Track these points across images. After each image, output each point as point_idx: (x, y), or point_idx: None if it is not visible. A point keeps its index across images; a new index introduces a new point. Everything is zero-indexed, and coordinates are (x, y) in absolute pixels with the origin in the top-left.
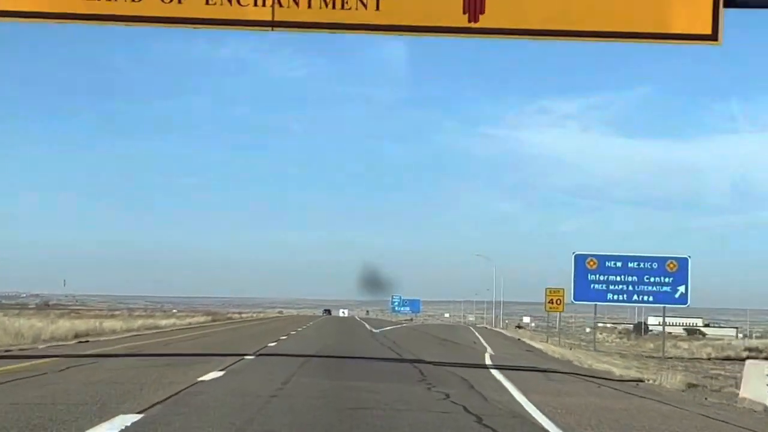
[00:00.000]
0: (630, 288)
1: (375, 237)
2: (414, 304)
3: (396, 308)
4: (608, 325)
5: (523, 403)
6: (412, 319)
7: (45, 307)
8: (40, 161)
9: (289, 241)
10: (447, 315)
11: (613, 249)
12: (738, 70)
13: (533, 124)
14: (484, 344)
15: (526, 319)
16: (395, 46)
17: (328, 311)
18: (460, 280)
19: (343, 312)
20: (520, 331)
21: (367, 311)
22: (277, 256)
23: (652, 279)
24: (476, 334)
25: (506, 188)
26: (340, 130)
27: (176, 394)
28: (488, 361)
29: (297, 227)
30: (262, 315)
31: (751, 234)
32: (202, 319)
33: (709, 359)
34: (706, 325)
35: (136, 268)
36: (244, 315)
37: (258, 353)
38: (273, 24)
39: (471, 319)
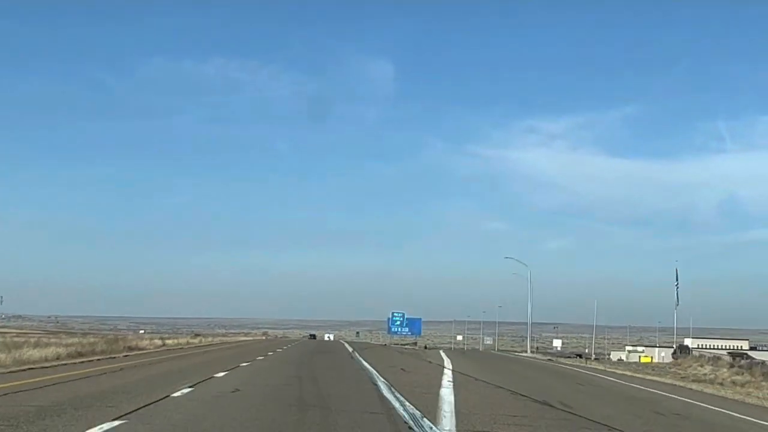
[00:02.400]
0: None
1: (362, 257)
2: (415, 325)
3: (394, 329)
4: (639, 349)
5: None
6: (416, 344)
7: None
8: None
9: (276, 261)
10: (460, 338)
11: (601, 267)
12: (725, 89)
13: (521, 144)
14: None
15: (557, 342)
16: (382, 64)
17: (313, 336)
18: (454, 299)
19: (328, 336)
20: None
21: (357, 333)
22: (264, 277)
23: None
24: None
25: (494, 207)
26: (326, 148)
27: None
28: None
29: (284, 248)
30: (214, 339)
31: (740, 254)
32: (62, 350)
33: None
34: (752, 348)
35: (121, 290)
36: (168, 341)
37: None
38: None
39: (489, 342)
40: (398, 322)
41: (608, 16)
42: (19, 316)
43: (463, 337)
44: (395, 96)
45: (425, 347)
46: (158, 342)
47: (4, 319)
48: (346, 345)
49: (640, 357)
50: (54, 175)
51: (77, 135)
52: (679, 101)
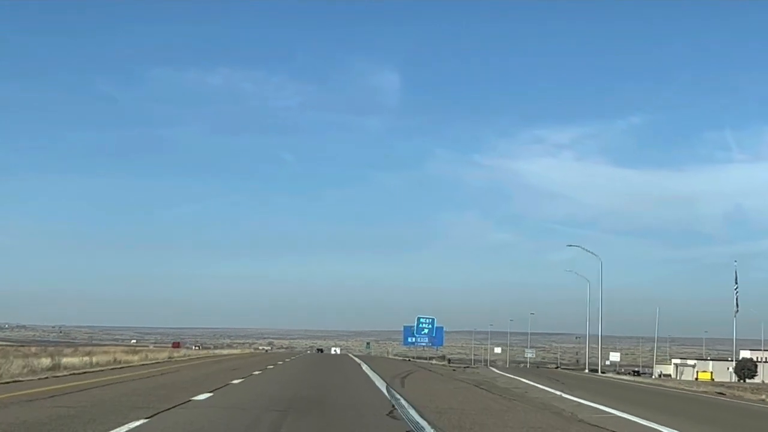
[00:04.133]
0: None
1: (368, 268)
2: (436, 334)
3: (412, 339)
4: (690, 362)
5: None
6: (445, 357)
7: None
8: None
9: (282, 271)
10: (498, 350)
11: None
12: (731, 98)
13: (527, 154)
14: None
15: (615, 356)
16: (388, 74)
17: (320, 350)
18: (462, 309)
19: (335, 350)
20: None
21: (368, 343)
22: (271, 287)
23: None
24: None
25: (500, 218)
26: (332, 158)
27: None
28: None
29: (290, 258)
30: (175, 355)
31: (748, 264)
32: None
33: None
34: None
35: (129, 300)
36: (65, 359)
37: None
38: None
39: (530, 355)
40: (425, 330)
41: (614, 25)
42: (23, 326)
43: (503, 349)
44: (401, 106)
45: (449, 361)
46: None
47: (6, 329)
48: (363, 365)
49: (697, 373)
50: (57, 184)
51: (82, 144)
52: (685, 111)
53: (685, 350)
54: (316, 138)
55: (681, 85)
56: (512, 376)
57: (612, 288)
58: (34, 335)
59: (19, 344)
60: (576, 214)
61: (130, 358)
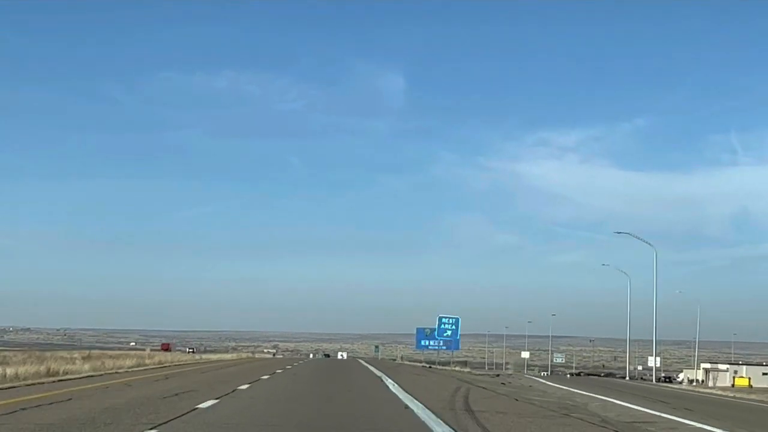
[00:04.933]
0: None
1: (373, 270)
2: (452, 337)
3: (426, 343)
4: (722, 367)
5: None
6: (462, 361)
7: None
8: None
9: (288, 274)
10: (525, 354)
11: (610, 282)
12: (737, 101)
13: (532, 156)
14: None
15: (650, 361)
16: (393, 77)
17: (327, 355)
18: (469, 312)
19: (341, 354)
20: None
21: (376, 347)
22: (274, 290)
23: None
24: None
25: (505, 220)
26: (337, 161)
27: None
28: None
29: (295, 261)
30: (150, 360)
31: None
32: None
33: None
34: None
35: (134, 303)
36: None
37: None
38: None
39: (559, 360)
40: (447, 332)
41: (619, 28)
42: (28, 329)
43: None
44: (406, 108)
45: (467, 366)
46: None
47: (11, 332)
48: (385, 377)
49: (734, 379)
50: (62, 186)
51: (87, 148)
52: (690, 114)
53: (692, 353)
54: (322, 141)
55: (686, 88)
56: (589, 393)
57: (612, 290)
58: (39, 338)
59: None
60: (581, 216)
61: (77, 367)
